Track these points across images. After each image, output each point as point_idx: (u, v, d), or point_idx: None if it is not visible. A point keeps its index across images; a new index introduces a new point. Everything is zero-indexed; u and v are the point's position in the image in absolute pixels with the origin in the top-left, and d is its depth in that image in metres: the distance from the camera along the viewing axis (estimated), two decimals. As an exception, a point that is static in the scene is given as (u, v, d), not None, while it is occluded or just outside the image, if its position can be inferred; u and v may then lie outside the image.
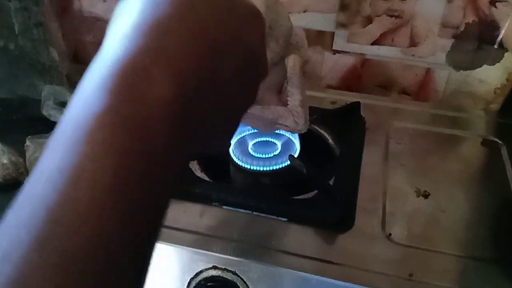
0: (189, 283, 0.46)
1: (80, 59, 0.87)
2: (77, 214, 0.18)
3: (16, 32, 0.85)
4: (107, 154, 0.19)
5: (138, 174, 0.20)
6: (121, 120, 0.20)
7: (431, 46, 0.71)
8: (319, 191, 0.51)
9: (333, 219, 0.49)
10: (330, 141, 0.63)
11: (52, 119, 0.80)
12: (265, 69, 0.29)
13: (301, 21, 0.74)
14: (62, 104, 0.81)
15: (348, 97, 0.71)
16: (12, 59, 0.88)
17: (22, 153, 0.75)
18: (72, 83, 0.86)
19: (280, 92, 0.46)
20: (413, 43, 0.71)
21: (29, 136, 0.76)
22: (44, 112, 0.81)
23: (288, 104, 0.45)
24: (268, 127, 0.47)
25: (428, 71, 0.73)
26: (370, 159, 0.59)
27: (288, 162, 0.55)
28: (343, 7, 0.71)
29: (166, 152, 0.21)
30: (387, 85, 0.77)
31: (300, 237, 0.48)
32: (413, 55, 0.72)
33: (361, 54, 0.75)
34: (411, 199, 0.54)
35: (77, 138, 0.19)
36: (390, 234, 0.49)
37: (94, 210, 0.18)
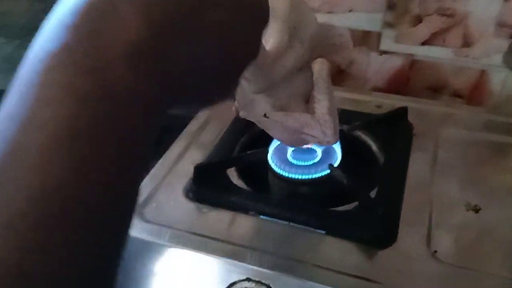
0: (222, 295, 0.45)
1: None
2: (25, 164, 0.17)
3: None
4: (62, 98, 0.17)
5: (95, 122, 0.17)
6: (79, 60, 0.18)
7: (485, 46, 0.66)
8: (360, 203, 0.49)
9: (373, 234, 0.46)
10: (374, 148, 0.60)
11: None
12: (266, 11, 0.26)
13: (346, 21, 0.71)
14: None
15: (395, 101, 0.68)
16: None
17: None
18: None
19: (308, 102, 0.43)
20: (466, 43, 0.67)
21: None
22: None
23: (315, 113, 0.41)
24: (293, 138, 0.44)
25: (482, 73, 0.69)
26: (417, 168, 0.56)
27: (328, 171, 0.52)
28: (390, 6, 0.68)
29: (130, 98, 0.18)
30: (438, 88, 0.72)
31: (338, 251, 0.46)
32: (466, 56, 0.68)
33: (410, 55, 0.71)
34: (460, 213, 0.50)
35: (31, 80, 0.18)
36: (436, 251, 0.46)
37: (43, 160, 0.17)
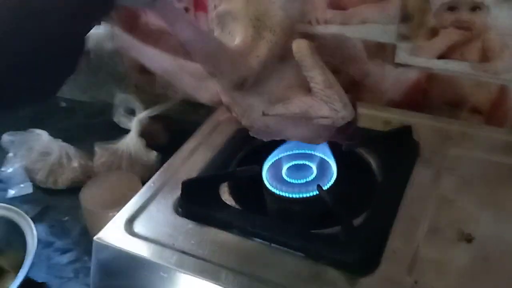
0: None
1: (147, 70, 0.91)
2: None
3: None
4: None
5: None
6: None
7: (507, 61, 0.62)
8: (342, 227, 0.48)
9: (351, 260, 0.45)
10: (374, 167, 0.58)
11: (121, 125, 0.85)
12: None
13: (359, 32, 0.69)
14: (131, 112, 0.86)
15: (407, 117, 0.65)
16: (93, 68, 0.95)
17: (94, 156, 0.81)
18: (139, 91, 0.90)
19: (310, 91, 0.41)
20: (485, 58, 0.63)
21: (97, 142, 0.82)
22: (115, 119, 0.86)
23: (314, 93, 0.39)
24: (310, 130, 0.43)
25: (503, 89, 0.64)
26: (415, 191, 0.54)
27: (316, 192, 0.52)
28: (404, 18, 0.65)
29: None
30: (457, 103, 0.69)
31: (316, 277, 0.45)
32: (485, 71, 0.64)
33: (427, 68, 0.68)
34: (450, 243, 0.48)
35: None
36: (416, 282, 0.44)
37: None
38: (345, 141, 0.45)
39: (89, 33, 0.32)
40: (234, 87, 0.40)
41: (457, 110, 0.69)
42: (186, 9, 0.82)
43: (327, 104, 0.39)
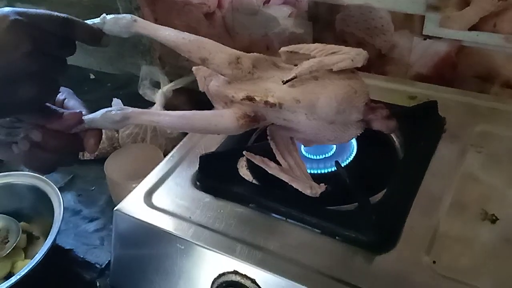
0: (212, 283, 0.47)
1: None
2: None
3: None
4: None
5: None
6: None
7: (543, 33, 0.59)
8: (358, 204, 0.47)
9: (367, 238, 0.45)
10: (396, 143, 0.57)
11: (147, 98, 0.85)
12: None
13: (386, 2, 0.67)
14: (156, 84, 0.87)
15: (434, 92, 0.63)
16: (119, 40, 0.95)
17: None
18: (164, 64, 0.91)
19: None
20: (520, 29, 0.60)
21: (121, 114, 0.83)
22: (140, 91, 0.86)
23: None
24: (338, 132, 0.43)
25: (538, 63, 0.61)
26: (438, 168, 0.52)
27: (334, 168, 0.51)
28: (434, -13, 0.62)
29: None
30: (487, 77, 0.66)
31: (331, 253, 0.45)
32: (520, 44, 0.61)
33: (456, 40, 0.65)
34: (473, 222, 0.47)
35: None
36: (434, 262, 0.43)
37: None
38: (385, 126, 0.44)
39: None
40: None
41: (487, 84, 0.66)
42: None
43: (336, 54, 0.40)
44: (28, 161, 0.45)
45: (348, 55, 0.40)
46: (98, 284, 0.60)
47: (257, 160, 0.49)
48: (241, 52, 0.45)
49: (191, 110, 0.91)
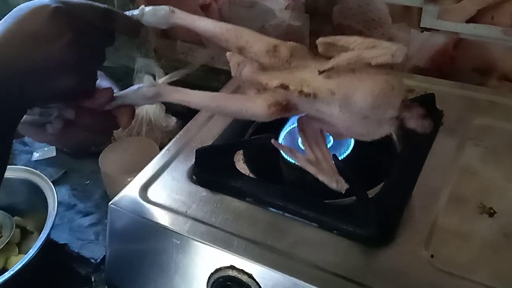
0: (209, 278, 0.47)
1: (167, 34, 0.90)
2: None
3: (116, 7, 0.90)
4: None
5: None
6: None
7: (542, 26, 0.58)
8: (356, 198, 0.47)
9: (365, 232, 0.44)
10: (393, 136, 0.56)
11: (142, 90, 0.84)
12: None
13: (384, -5, 0.66)
14: (152, 77, 0.86)
15: (432, 85, 0.63)
16: (114, 32, 0.94)
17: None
18: (159, 56, 0.90)
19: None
20: (518, 22, 0.59)
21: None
22: (135, 84, 0.85)
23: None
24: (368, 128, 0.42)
25: (536, 56, 0.61)
26: (436, 162, 0.52)
27: (332, 161, 0.50)
28: (432, -21, 0.62)
29: None
30: (485, 70, 0.66)
31: (329, 248, 0.45)
32: (518, 36, 0.60)
33: (454, 33, 0.64)
34: (471, 216, 0.46)
35: None
36: (432, 256, 0.43)
37: None
38: (420, 125, 0.44)
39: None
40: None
41: (485, 77, 0.66)
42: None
43: (375, 48, 0.39)
44: (63, 141, 0.44)
45: (388, 50, 0.39)
46: (93, 279, 0.60)
47: (286, 149, 0.48)
48: (279, 40, 0.45)
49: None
